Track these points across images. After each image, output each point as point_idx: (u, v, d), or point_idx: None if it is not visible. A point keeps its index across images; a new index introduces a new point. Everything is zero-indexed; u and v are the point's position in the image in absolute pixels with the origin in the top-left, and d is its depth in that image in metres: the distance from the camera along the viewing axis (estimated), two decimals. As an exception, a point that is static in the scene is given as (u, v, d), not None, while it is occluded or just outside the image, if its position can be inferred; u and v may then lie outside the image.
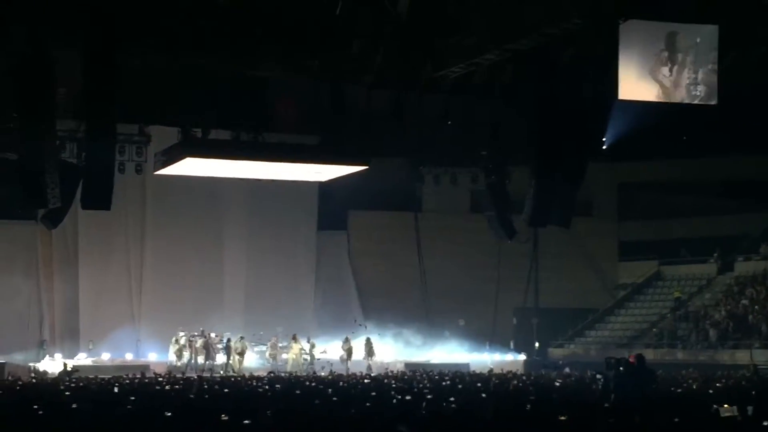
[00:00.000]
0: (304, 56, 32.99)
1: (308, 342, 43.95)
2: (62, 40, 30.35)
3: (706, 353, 45.14)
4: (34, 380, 34.52)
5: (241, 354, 42.18)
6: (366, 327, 45.99)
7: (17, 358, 41.37)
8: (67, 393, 24.30)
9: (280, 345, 43.80)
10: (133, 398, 21.44)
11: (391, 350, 45.99)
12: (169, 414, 16.59)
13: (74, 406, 18.82)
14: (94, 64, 29.56)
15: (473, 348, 47.66)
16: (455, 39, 32.27)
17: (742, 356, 42.78)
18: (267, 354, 43.94)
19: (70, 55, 30.45)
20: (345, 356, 43.28)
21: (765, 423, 15.25)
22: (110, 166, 31.46)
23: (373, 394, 23.16)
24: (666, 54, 30.94)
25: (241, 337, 42.64)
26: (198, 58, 32.41)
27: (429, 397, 21.80)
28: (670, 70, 30.97)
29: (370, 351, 43.77)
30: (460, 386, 27.74)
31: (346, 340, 43.78)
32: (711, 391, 25.36)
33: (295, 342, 43.19)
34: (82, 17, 29.61)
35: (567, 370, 40.86)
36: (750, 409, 16.75)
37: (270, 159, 35.12)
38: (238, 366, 41.70)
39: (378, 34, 32.48)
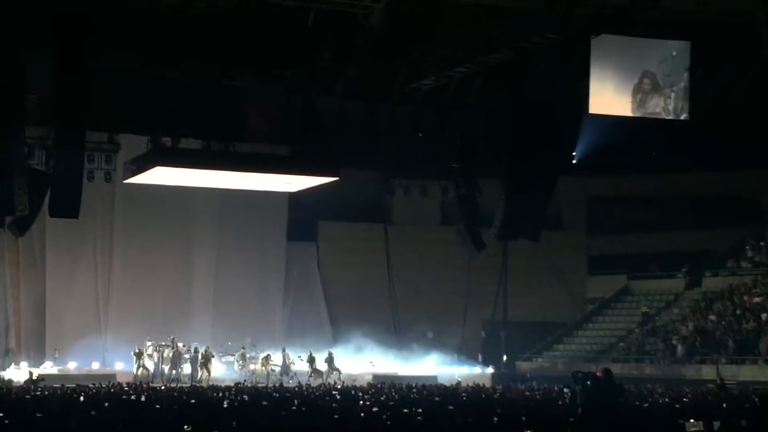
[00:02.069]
0: (277, 67, 32.93)
1: (283, 352, 43.84)
2: (33, 46, 30.19)
3: (673, 368, 45.27)
4: (-1, 389, 34.25)
5: (207, 364, 41.92)
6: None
7: (-18, 366, 41.04)
8: (32, 402, 24.09)
9: (249, 355, 43.66)
10: (98, 408, 21.29)
11: (359, 362, 45.88)
12: (136, 424, 16.49)
13: (38, 415, 18.67)
14: (64, 71, 29.41)
15: (441, 360, 47.64)
16: (428, 52, 32.32)
17: (708, 371, 42.92)
18: (235, 366, 43.82)
19: (40, 61, 30.28)
20: (311, 370, 43.07)
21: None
22: (79, 173, 31.28)
23: (339, 406, 23.09)
24: (636, 70, 31.09)
25: (197, 348, 42.37)
26: (170, 67, 32.30)
27: (396, 408, 21.76)
28: (642, 85, 31.11)
29: (331, 365, 43.36)
30: (427, 398, 27.69)
31: (310, 356, 43.52)
32: (678, 406, 25.42)
33: (267, 362, 42.94)
34: (53, 24, 29.46)
35: (534, 383, 40.89)
36: (716, 424, 16.79)
37: (240, 169, 35.00)
38: (205, 376, 41.49)
39: (351, 45, 32.50)
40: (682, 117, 31.90)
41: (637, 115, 31.65)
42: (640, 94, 31.29)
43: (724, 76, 35.27)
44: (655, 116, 31.87)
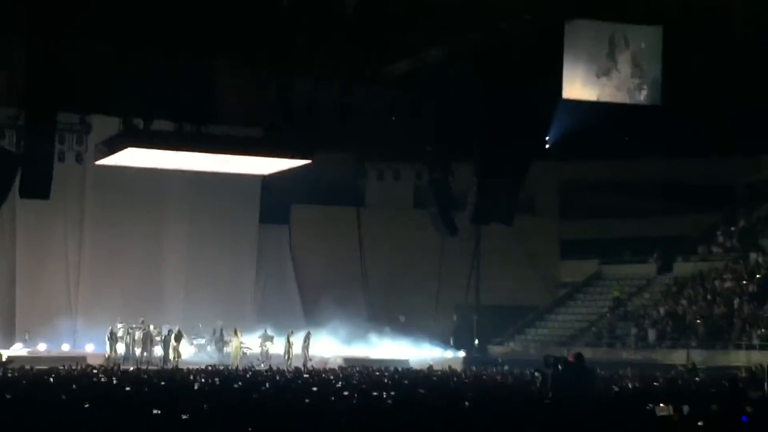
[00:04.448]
0: (250, 48, 32.75)
1: (266, 333, 43.72)
2: (4, 26, 29.92)
3: (643, 352, 45.48)
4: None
5: (177, 347, 41.78)
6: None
7: (-48, 347, 40.79)
8: (0, 384, 23.95)
9: (222, 337, 43.58)
10: (68, 390, 21.20)
11: (331, 345, 45.86)
12: (106, 406, 16.41)
13: (7, 396, 18.57)
14: (36, 52, 29.18)
15: (413, 344, 47.68)
16: (402, 34, 32.18)
17: (679, 356, 43.14)
18: (207, 348, 43.75)
19: (11, 41, 30.04)
20: (285, 351, 43.00)
21: (700, 423, 15.35)
22: (50, 154, 31.07)
23: (311, 389, 23.08)
24: (610, 54, 31.05)
25: (170, 330, 42.22)
26: (142, 48, 32.08)
27: (367, 392, 21.74)
28: (615, 70, 31.08)
29: (307, 346, 43.31)
30: (398, 382, 27.71)
31: (289, 335, 43.45)
32: (649, 391, 25.52)
33: (236, 336, 42.91)
34: (26, 6, 29.21)
35: (506, 367, 40.99)
36: (685, 408, 16.85)
37: (213, 151, 34.91)
38: (176, 358, 41.33)
39: (324, 27, 32.32)
40: (654, 103, 31.89)
41: (611, 100, 31.60)
42: (615, 57, 31.17)
43: (696, 61, 35.25)
44: (626, 101, 31.86)
